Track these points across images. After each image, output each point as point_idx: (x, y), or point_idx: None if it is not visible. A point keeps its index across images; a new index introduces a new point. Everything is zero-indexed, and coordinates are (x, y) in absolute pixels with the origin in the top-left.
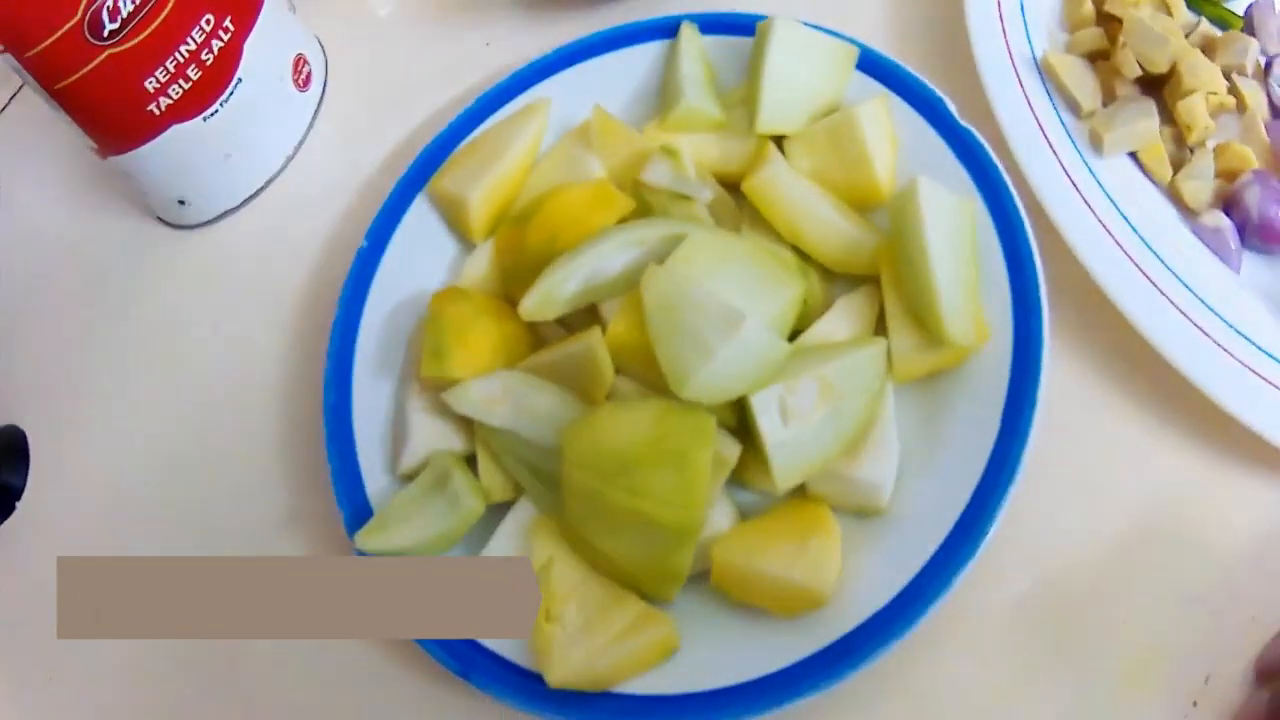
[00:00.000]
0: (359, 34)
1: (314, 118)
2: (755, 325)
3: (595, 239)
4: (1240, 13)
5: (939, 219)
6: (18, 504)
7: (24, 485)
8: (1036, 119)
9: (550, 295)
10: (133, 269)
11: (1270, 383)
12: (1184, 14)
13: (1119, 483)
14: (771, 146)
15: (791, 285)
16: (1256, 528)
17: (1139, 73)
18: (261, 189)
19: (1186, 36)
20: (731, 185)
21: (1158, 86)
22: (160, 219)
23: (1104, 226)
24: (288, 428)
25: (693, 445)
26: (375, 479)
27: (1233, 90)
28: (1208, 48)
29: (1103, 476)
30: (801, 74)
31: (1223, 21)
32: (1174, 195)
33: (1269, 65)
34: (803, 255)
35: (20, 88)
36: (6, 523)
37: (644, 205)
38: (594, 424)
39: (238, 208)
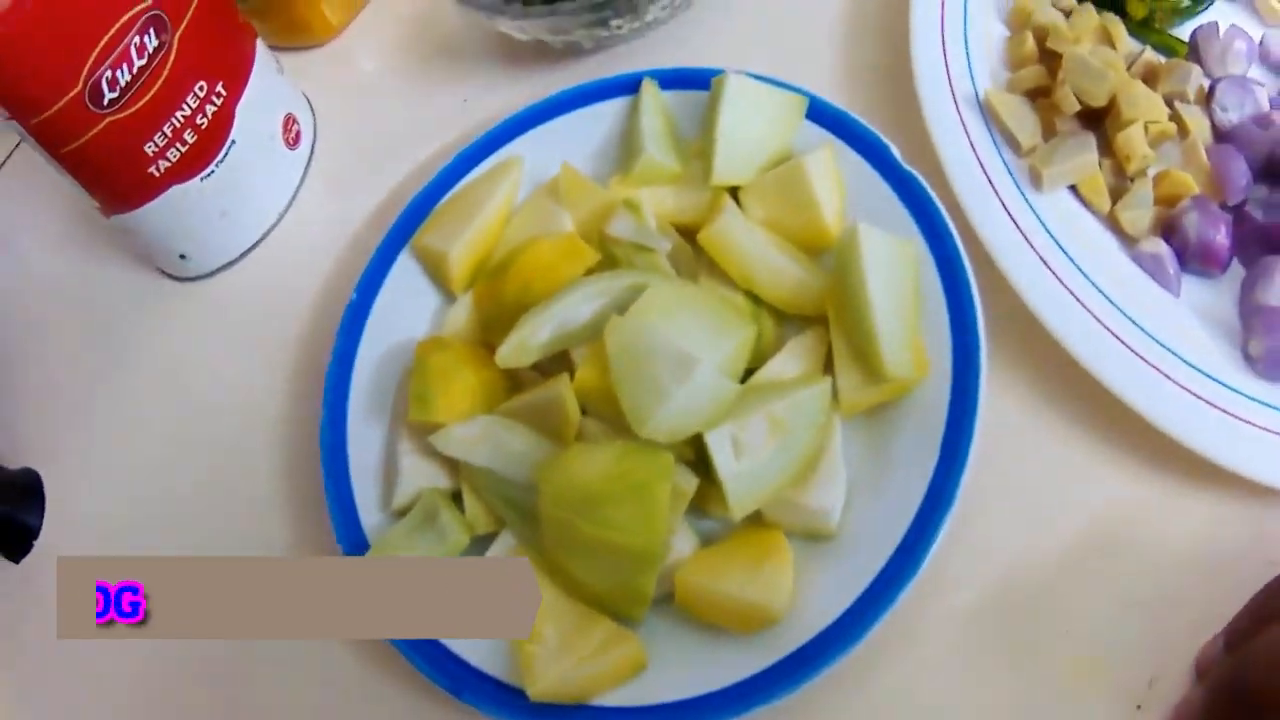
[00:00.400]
0: (345, 92)
1: (304, 174)
2: (707, 369)
3: (564, 291)
4: (1185, 38)
5: (879, 262)
6: (35, 542)
7: (40, 525)
8: (978, 158)
9: (524, 344)
10: (137, 318)
11: (1203, 399)
12: (1127, 43)
13: (1061, 499)
14: (726, 197)
15: (743, 329)
16: (1193, 537)
17: (1078, 108)
18: (258, 243)
19: (1130, 66)
20: (690, 234)
21: (1099, 119)
22: (162, 271)
23: (1041, 259)
24: (287, 467)
25: (653, 479)
26: (370, 515)
27: (1174, 117)
28: (1150, 76)
29: (1046, 494)
30: (753, 127)
31: (1167, 48)
32: (1113, 224)
33: (1212, 89)
34: (756, 299)
35: (19, 143)
36: (25, 560)
37: (610, 256)
38: (564, 462)
39: (236, 260)
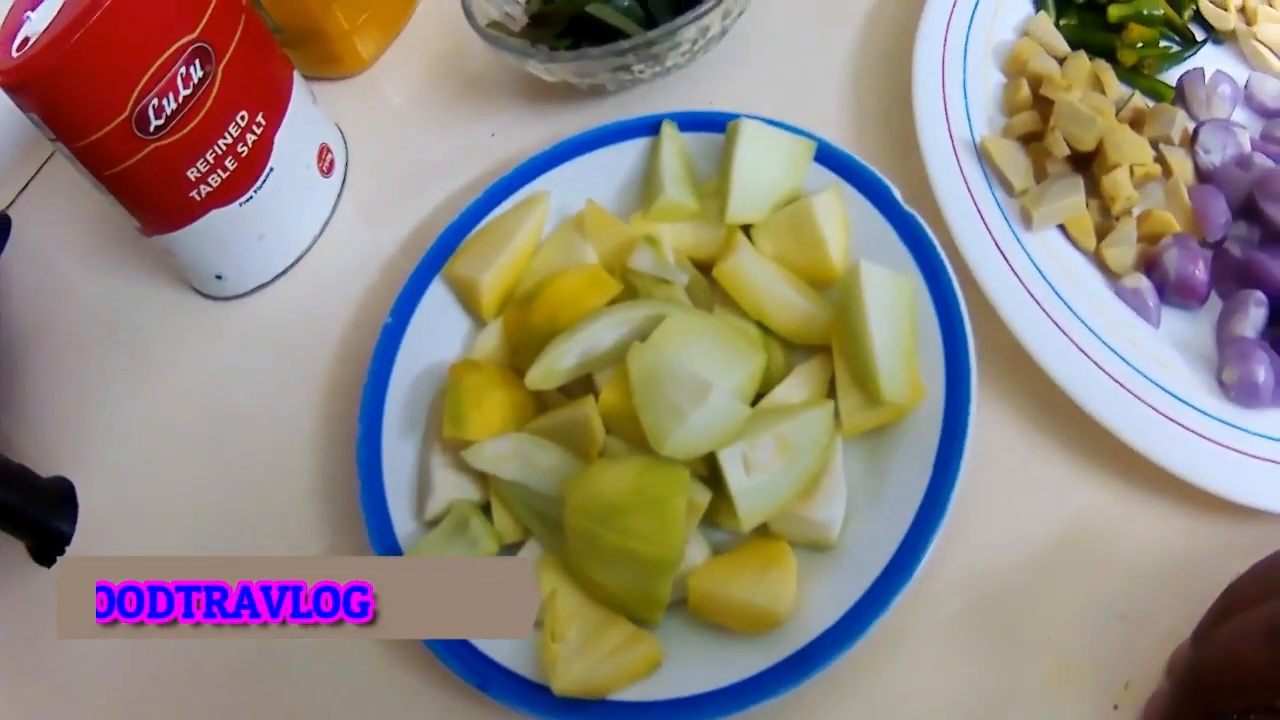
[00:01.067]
0: (375, 123)
1: (337, 201)
2: (721, 393)
3: (589, 319)
4: (1172, 83)
5: (878, 296)
6: (66, 548)
7: (72, 531)
8: (973, 198)
9: (551, 368)
10: (171, 333)
11: (1179, 423)
12: (1118, 88)
13: (1044, 515)
14: (739, 234)
15: (755, 357)
16: (1166, 551)
17: (1068, 152)
18: (291, 266)
19: (1119, 110)
20: (706, 268)
21: (1087, 162)
22: (197, 290)
23: (1030, 294)
24: (322, 479)
25: (670, 493)
26: (403, 525)
27: (1159, 159)
28: (1138, 120)
29: (1030, 509)
30: (765, 169)
31: (1155, 93)
32: (1099, 261)
33: (1196, 132)
34: (766, 330)
35: (53, 153)
36: (57, 564)
37: (631, 288)
38: (589, 477)
39: (269, 283)
